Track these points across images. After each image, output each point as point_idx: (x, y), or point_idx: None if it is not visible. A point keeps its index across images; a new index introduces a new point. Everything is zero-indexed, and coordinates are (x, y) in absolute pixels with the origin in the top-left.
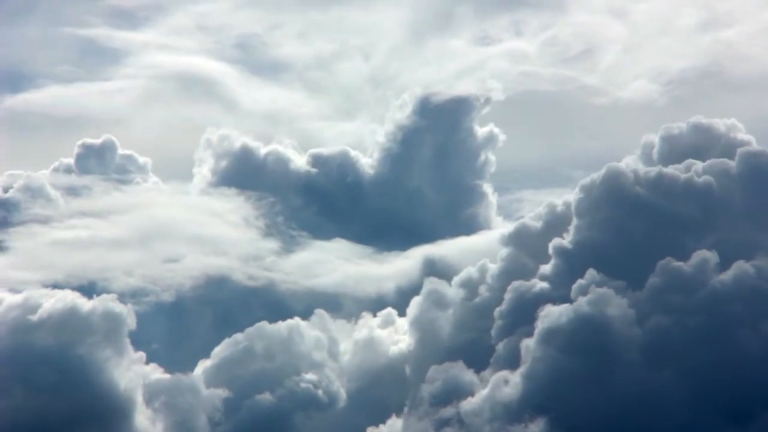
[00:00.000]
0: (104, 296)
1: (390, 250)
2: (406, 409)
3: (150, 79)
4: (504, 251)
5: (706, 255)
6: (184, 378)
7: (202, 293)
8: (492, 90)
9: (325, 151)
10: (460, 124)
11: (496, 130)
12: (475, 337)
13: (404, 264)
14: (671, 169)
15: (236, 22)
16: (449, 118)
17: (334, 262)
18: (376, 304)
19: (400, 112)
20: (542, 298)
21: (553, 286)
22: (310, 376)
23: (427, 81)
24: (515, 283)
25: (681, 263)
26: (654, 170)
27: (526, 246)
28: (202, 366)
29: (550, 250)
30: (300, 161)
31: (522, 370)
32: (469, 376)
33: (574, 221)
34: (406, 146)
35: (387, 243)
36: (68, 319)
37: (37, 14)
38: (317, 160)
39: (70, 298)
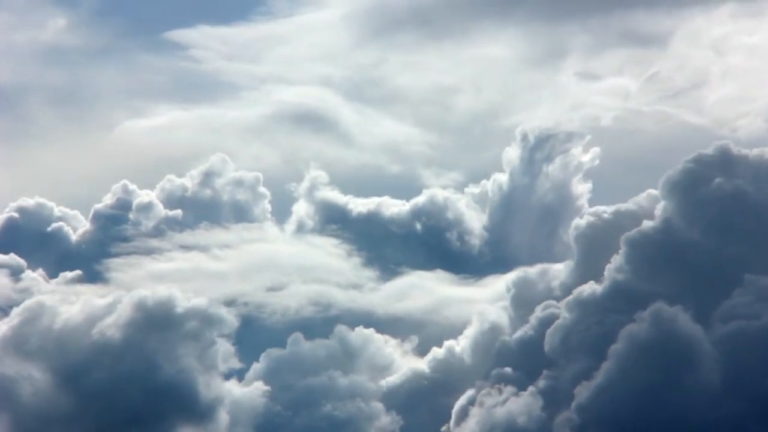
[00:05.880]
0: (205, 298)
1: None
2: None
3: (264, 111)
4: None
5: None
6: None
7: (303, 317)
8: (595, 119)
9: (429, 196)
10: (560, 158)
11: (594, 159)
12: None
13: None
14: None
15: (351, 53)
16: (550, 155)
17: (433, 287)
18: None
19: (505, 151)
20: (608, 302)
21: (618, 294)
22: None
23: (532, 116)
24: (578, 290)
25: None
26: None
27: (597, 246)
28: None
29: (618, 254)
30: (402, 208)
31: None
32: (517, 405)
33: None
34: (508, 185)
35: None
36: (164, 315)
37: (155, 50)
38: (420, 206)
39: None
